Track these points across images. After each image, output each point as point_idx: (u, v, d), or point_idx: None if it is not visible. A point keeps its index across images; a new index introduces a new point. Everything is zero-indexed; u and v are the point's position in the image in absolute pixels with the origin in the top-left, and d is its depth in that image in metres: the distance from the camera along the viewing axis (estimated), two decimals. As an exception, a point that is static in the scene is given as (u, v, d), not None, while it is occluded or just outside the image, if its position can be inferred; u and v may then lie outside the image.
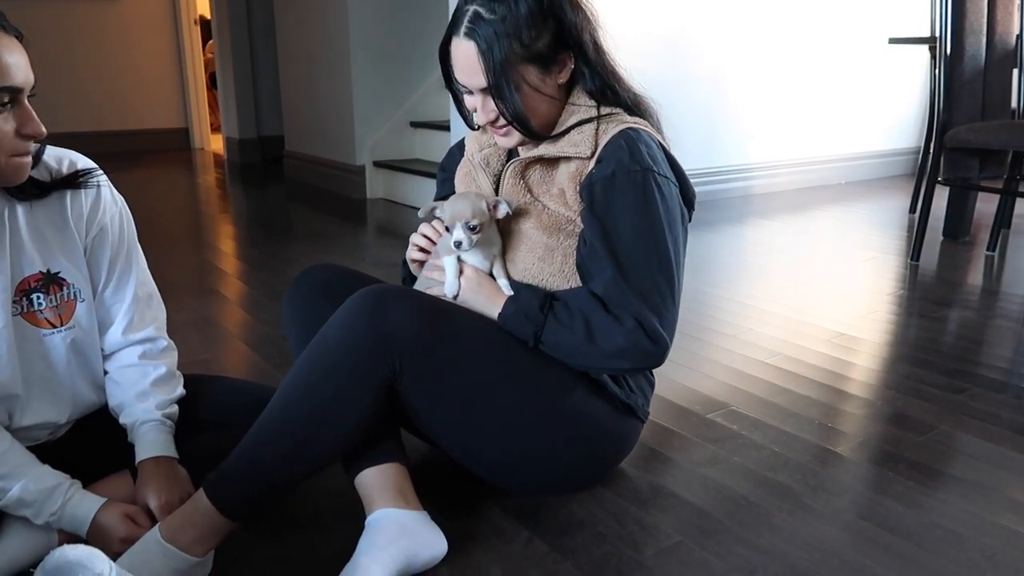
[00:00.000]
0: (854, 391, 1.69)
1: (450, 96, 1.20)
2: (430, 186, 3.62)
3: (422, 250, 1.23)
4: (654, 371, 1.27)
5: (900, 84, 4.59)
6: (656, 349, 1.07)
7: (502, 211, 1.14)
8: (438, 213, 1.17)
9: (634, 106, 1.16)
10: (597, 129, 1.12)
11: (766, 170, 4.16)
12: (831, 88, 4.30)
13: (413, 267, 1.26)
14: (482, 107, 1.11)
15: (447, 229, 1.14)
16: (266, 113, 5.45)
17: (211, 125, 6.23)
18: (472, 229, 1.11)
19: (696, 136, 3.80)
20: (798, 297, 2.36)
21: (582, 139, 1.12)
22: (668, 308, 1.08)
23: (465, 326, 1.08)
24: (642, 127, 1.13)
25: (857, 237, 3.17)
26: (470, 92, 1.12)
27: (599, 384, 1.16)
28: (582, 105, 1.14)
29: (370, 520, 1.04)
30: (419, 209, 1.20)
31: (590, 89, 1.14)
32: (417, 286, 1.22)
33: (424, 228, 1.23)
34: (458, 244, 1.11)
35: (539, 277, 1.14)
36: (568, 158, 1.13)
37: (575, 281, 1.14)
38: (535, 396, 1.10)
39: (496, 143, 1.22)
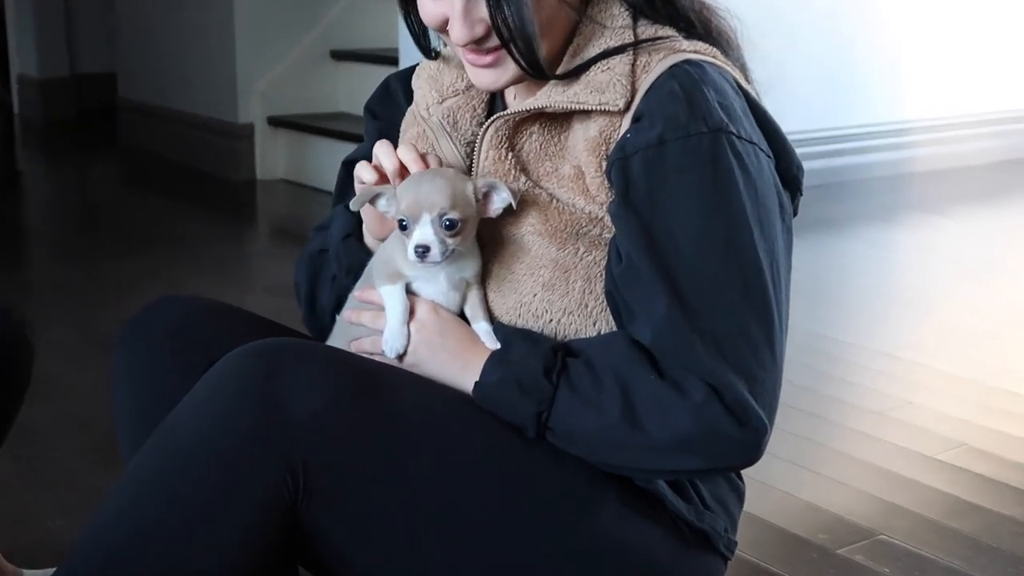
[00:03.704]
0: (1088, 508, 1.69)
1: (397, 3, 1.21)
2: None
3: (378, 171, 1.16)
4: (743, 473, 1.27)
5: None
6: (745, 435, 1.06)
7: (498, 203, 1.13)
8: (384, 202, 1.15)
9: (700, 24, 1.17)
10: (634, 63, 1.12)
11: (932, 133, 4.20)
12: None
13: (360, 189, 1.18)
14: (463, 14, 1.10)
15: (401, 227, 1.11)
16: (85, 38, 5.49)
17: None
18: (449, 227, 1.09)
19: (811, 81, 3.83)
20: (989, 348, 2.36)
21: (609, 80, 1.11)
22: (764, 365, 1.08)
23: (416, 406, 1.08)
24: (708, 59, 1.13)
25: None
26: None
27: (649, 496, 1.16)
28: (610, 27, 1.14)
29: None
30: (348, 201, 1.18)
31: None
32: (332, 339, 1.23)
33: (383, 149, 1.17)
34: (423, 252, 1.09)
35: (544, 316, 1.14)
36: (587, 112, 1.13)
37: (606, 322, 1.14)
38: (537, 519, 1.10)
39: (466, 87, 1.23)
